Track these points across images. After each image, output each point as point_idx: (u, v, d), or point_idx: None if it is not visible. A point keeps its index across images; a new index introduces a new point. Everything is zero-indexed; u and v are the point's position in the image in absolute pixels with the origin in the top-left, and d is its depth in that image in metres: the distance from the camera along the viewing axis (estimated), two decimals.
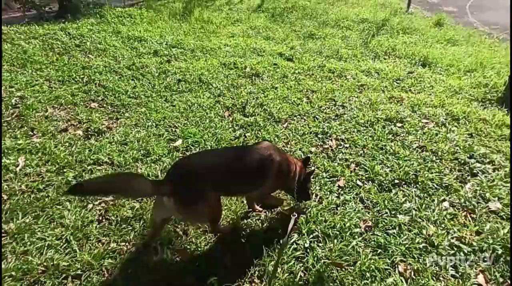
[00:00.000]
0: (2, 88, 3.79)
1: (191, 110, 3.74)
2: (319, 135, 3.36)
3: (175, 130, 3.32)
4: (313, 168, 2.78)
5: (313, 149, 3.15)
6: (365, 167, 2.85)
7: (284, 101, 4.03)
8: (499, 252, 2.08)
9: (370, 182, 2.72)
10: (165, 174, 2.02)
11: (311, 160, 2.81)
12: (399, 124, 3.48)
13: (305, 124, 3.55)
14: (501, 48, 5.56)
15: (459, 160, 2.94)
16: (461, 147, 3.09)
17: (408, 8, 8.08)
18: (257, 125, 3.50)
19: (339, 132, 3.40)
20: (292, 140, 3.29)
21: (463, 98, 4.00)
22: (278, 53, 5.52)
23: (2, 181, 2.50)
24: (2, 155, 2.76)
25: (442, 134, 3.29)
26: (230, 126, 3.49)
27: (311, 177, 2.46)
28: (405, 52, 5.44)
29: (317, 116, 3.72)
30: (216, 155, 2.15)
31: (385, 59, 5.36)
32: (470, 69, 4.74)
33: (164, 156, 2.94)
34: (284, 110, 3.81)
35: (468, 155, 2.98)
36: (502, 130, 3.35)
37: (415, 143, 3.19)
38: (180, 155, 2.99)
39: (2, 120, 3.26)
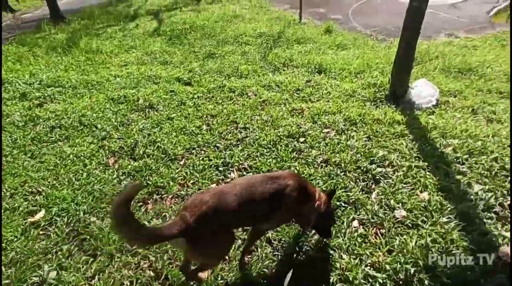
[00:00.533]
0: None
1: (64, 164, 2.98)
2: (220, 168, 2.94)
3: (37, 198, 2.55)
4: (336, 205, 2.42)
5: (213, 186, 2.70)
6: None
7: (181, 132, 3.53)
8: (412, 272, 1.88)
9: None
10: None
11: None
12: (301, 139, 3.26)
13: (204, 157, 3.10)
14: (381, 48, 5.97)
15: (362, 168, 2.80)
16: (362, 153, 2.97)
17: (300, 19, 8.36)
18: (148, 169, 2.92)
19: (241, 159, 3.03)
20: (189, 180, 2.80)
21: (357, 100, 4.03)
22: (176, 78, 5.02)
23: None
24: None
25: (343, 142, 3.15)
26: (115, 176, 2.84)
27: (335, 212, 2.20)
28: (301, 61, 5.43)
29: (218, 144, 3.30)
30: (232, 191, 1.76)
31: (284, 70, 5.27)
32: (359, 71, 4.89)
33: (15, 239, 2.17)
34: (181, 144, 3.30)
35: (369, 161, 2.87)
36: (394, 128, 3.37)
37: (319, 157, 2.99)
38: (41, 232, 2.25)
39: None
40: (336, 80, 4.69)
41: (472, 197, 2.40)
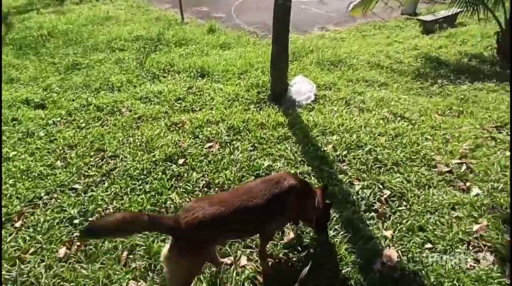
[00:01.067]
0: None
1: None
2: (75, 220, 2.18)
3: None
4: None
5: (62, 253, 1.96)
6: (140, 253, 1.92)
7: (23, 178, 2.58)
8: None
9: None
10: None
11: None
12: (181, 161, 2.73)
13: (55, 208, 2.28)
14: (262, 45, 5.81)
15: None
16: (247, 167, 2.62)
17: (182, 19, 7.68)
18: None
19: (107, 201, 2.34)
20: (26, 250, 1.98)
21: (241, 104, 3.68)
22: (23, 101, 3.83)
23: None
24: None
25: (226, 157, 2.74)
26: None
27: (330, 209, 1.98)
28: (183, 65, 4.83)
29: (75, 186, 2.50)
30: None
31: (164, 77, 4.59)
32: (242, 71, 4.57)
33: None
34: (20, 195, 2.39)
35: (254, 175, 2.54)
36: (278, 131, 3.13)
37: (201, 180, 2.52)
38: None
39: None
40: (220, 83, 4.27)
41: (354, 197, 2.30)
